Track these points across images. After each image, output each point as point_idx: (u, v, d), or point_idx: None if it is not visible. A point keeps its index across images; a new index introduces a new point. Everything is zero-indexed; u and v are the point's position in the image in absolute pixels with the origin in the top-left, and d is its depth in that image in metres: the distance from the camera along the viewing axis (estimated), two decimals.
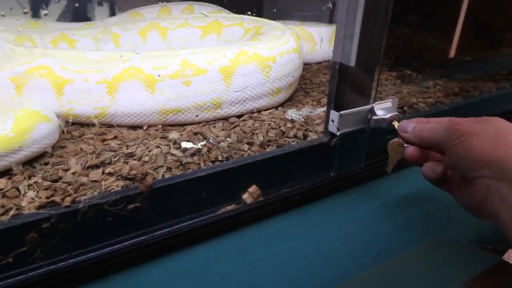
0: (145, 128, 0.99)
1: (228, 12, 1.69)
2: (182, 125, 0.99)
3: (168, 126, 1.00)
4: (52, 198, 0.62)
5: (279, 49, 1.04)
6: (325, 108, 1.15)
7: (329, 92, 0.80)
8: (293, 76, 1.12)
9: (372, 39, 0.73)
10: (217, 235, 0.74)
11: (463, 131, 0.59)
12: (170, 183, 0.69)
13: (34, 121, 0.78)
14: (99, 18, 1.64)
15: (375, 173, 0.90)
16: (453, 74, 1.45)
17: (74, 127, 0.99)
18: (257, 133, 0.96)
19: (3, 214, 0.59)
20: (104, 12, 1.72)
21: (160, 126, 1.00)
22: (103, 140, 0.91)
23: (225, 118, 1.04)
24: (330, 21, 2.20)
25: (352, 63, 0.75)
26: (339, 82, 0.77)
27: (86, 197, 0.63)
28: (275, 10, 2.16)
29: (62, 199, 0.61)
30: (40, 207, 0.60)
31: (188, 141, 0.93)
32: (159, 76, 0.92)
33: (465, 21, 1.47)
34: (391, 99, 0.84)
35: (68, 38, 1.36)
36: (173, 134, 0.96)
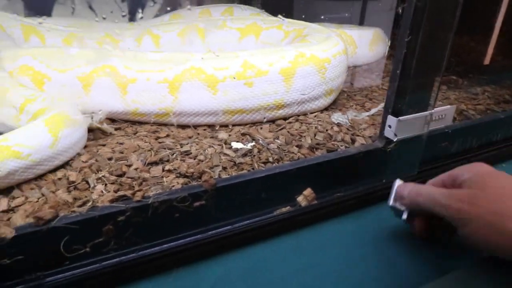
0: (194, 127, 1.04)
1: (268, 14, 1.73)
2: (244, 125, 1.04)
3: (227, 126, 1.05)
4: (123, 192, 0.67)
5: (332, 51, 1.08)
6: (370, 113, 1.18)
7: (387, 97, 0.83)
8: (343, 78, 1.16)
9: (436, 44, 0.76)
10: (274, 236, 0.77)
11: (462, 213, 0.59)
12: (232, 183, 0.72)
13: (67, 125, 0.80)
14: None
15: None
16: (501, 81, 1.45)
17: (126, 124, 1.05)
18: (304, 136, 1.00)
19: (81, 205, 0.64)
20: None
21: (208, 126, 1.05)
22: (157, 138, 0.96)
23: (286, 119, 1.08)
24: (361, 23, 2.23)
25: (413, 68, 0.77)
26: (399, 88, 0.80)
27: (154, 192, 0.67)
28: (304, 16, 2.20)
29: (133, 194, 0.66)
30: (113, 200, 0.65)
31: (237, 141, 0.98)
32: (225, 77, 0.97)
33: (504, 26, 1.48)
34: (448, 106, 0.86)
35: (113, 38, 1.43)
36: (222, 134, 1.00)
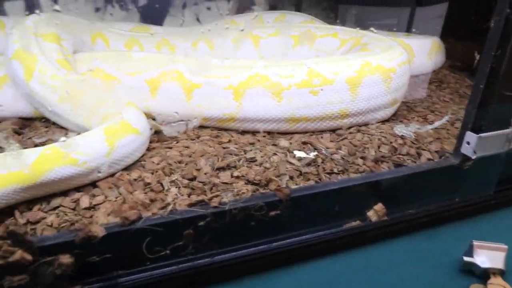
0: (253, 133, 1.05)
1: (321, 22, 1.73)
2: (304, 133, 1.04)
3: (286, 133, 1.05)
4: (200, 197, 0.68)
5: (398, 60, 1.07)
6: (434, 126, 1.14)
7: (466, 113, 0.80)
8: (406, 88, 1.14)
9: None
10: (343, 250, 0.77)
11: None
12: (305, 193, 0.73)
13: (127, 133, 0.81)
14: None
15: (506, 202, 0.88)
16: None
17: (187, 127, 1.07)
18: (368, 148, 0.98)
19: (161, 208, 0.66)
20: None
21: (267, 133, 1.06)
22: (220, 143, 0.98)
23: (349, 128, 1.07)
24: (408, 30, 2.18)
25: (498, 84, 0.75)
26: (481, 103, 0.77)
27: (229, 199, 0.69)
28: (348, 22, 2.19)
29: (209, 199, 0.67)
30: (191, 205, 0.66)
31: (299, 150, 0.98)
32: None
33: None
34: None
35: (168, 43, 1.48)
36: (283, 142, 1.01)
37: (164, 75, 1.04)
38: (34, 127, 1.04)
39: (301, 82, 0.99)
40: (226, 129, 1.06)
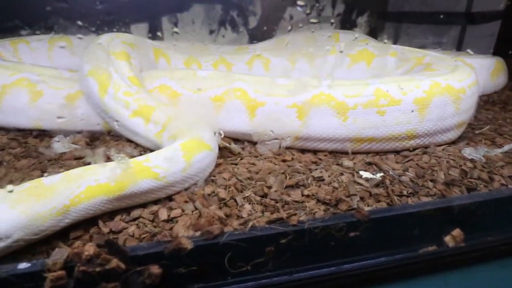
0: (314, 152, 1.06)
1: (375, 40, 1.74)
2: (367, 153, 1.04)
3: (348, 153, 1.05)
4: (279, 215, 0.70)
5: (468, 81, 1.05)
6: (503, 149, 1.11)
7: None
8: (474, 109, 1.12)
9: None
10: (418, 276, 0.75)
11: None
12: (384, 216, 0.72)
13: (201, 149, 0.84)
14: None
15: None
16: None
17: (247, 144, 1.10)
18: (436, 170, 0.96)
19: (242, 224, 0.68)
20: None
21: (328, 152, 1.07)
22: (284, 161, 0.99)
23: (412, 150, 1.07)
24: (458, 49, 2.14)
25: None
26: None
27: (305, 217, 0.70)
28: (398, 40, 2.17)
29: (288, 217, 0.69)
30: (270, 222, 0.68)
31: (364, 170, 0.98)
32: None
33: None
34: None
35: (226, 62, 1.53)
36: (347, 162, 1.01)
37: (228, 92, 1.08)
38: (104, 140, 1.10)
39: (368, 102, 0.99)
40: (286, 147, 1.08)
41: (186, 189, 0.82)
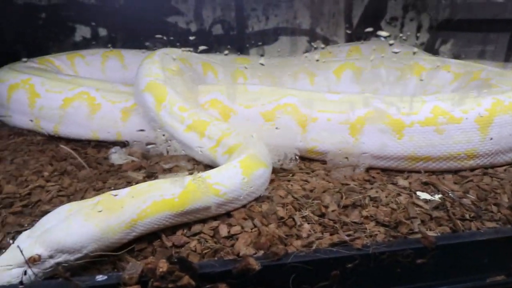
0: (366, 170, 1.05)
1: (425, 53, 1.70)
2: (423, 172, 1.02)
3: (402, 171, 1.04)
4: (341, 237, 0.70)
5: None
6: None
7: None
8: None
9: None
10: None
11: None
12: (450, 242, 0.70)
13: (259, 166, 0.85)
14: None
15: None
16: None
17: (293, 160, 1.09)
18: (499, 193, 0.93)
19: (305, 245, 0.68)
20: None
21: (381, 170, 1.05)
22: (336, 178, 0.99)
23: (471, 170, 1.03)
24: (506, 59, 2.04)
25: None
26: None
27: (370, 241, 0.69)
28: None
29: (352, 241, 0.68)
30: (333, 244, 0.68)
31: (421, 191, 0.95)
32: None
33: None
34: None
35: (272, 75, 1.55)
36: (402, 181, 0.99)
37: (279, 108, 1.09)
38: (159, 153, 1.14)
39: (425, 119, 0.98)
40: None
41: (245, 206, 0.83)
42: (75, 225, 0.66)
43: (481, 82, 1.22)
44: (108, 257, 0.69)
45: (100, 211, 0.68)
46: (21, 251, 0.60)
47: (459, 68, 1.38)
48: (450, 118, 0.96)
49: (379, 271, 0.66)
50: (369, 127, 1.01)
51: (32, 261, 0.62)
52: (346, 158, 1.00)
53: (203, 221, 0.79)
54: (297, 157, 1.03)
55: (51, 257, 0.64)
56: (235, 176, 0.80)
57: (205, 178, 0.77)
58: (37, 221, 0.79)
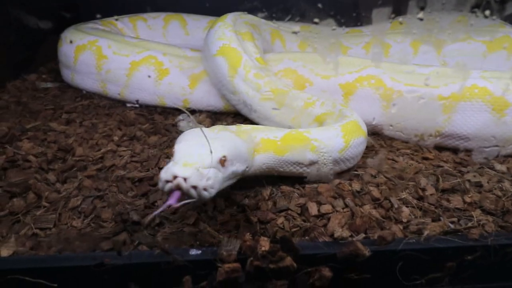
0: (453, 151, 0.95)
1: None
2: None
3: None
4: (454, 226, 0.62)
5: None
6: None
7: None
8: None
9: None
10: None
11: None
12: None
13: (359, 134, 0.81)
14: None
15: None
16: None
17: (372, 136, 1.00)
18: None
19: (415, 232, 0.61)
20: None
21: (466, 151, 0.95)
22: (425, 158, 0.90)
23: None
24: None
25: None
26: None
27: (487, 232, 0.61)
28: None
29: (466, 229, 0.60)
30: (446, 233, 0.60)
31: None
32: None
33: None
34: None
35: (341, 45, 1.44)
36: (498, 166, 0.88)
37: (361, 80, 1.00)
38: (226, 121, 1.08)
39: None
40: (418, 144, 0.97)
41: (332, 184, 0.76)
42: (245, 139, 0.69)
43: None
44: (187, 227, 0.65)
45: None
46: (211, 152, 0.57)
47: None
48: None
49: (498, 265, 0.58)
50: (465, 104, 0.90)
51: (222, 162, 0.59)
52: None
53: (289, 197, 0.73)
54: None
55: (231, 162, 0.62)
56: (335, 138, 0.76)
57: (304, 132, 0.75)
58: (114, 186, 0.77)
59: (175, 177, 0.52)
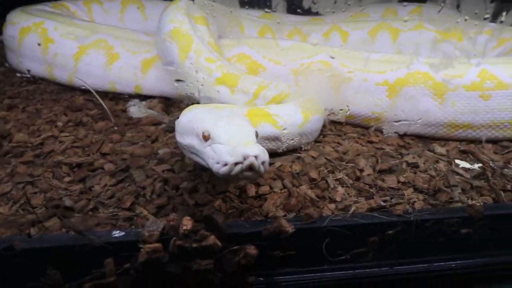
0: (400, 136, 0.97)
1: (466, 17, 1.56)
2: (461, 141, 0.94)
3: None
4: (376, 202, 0.63)
5: None
6: None
7: None
8: None
9: None
10: None
11: None
12: (497, 213, 0.64)
13: (317, 111, 0.84)
14: None
15: None
16: None
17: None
18: None
19: (341, 209, 0.62)
20: None
21: (416, 137, 0.97)
22: (370, 142, 0.91)
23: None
24: None
25: None
26: None
27: (410, 208, 0.62)
28: None
29: (392, 206, 0.62)
30: (372, 209, 0.61)
31: (460, 159, 0.88)
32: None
33: None
34: None
35: (301, 32, 1.44)
36: (439, 148, 0.91)
37: (312, 65, 1.00)
38: (179, 107, 1.07)
39: (471, 84, 0.88)
40: (367, 128, 0.99)
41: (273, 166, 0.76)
42: None
43: None
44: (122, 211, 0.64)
45: None
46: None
47: (503, 33, 1.26)
48: (499, 83, 0.87)
49: (420, 239, 0.60)
50: (409, 89, 0.91)
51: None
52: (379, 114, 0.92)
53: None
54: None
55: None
56: (294, 114, 0.78)
57: (264, 108, 0.77)
58: (49, 172, 0.74)
59: (245, 157, 0.51)
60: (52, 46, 1.10)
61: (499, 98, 0.88)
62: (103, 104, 0.95)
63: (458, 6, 1.42)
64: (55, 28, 1.10)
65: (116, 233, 0.53)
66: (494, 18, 1.12)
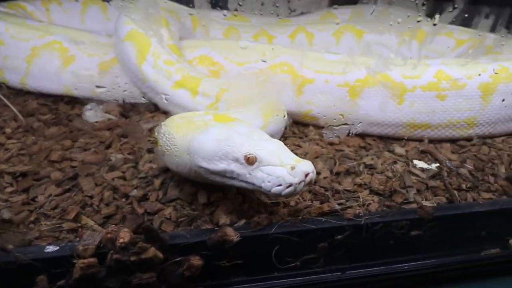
0: (361, 137, 0.96)
1: (428, 19, 1.58)
2: (420, 141, 0.94)
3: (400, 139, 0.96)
4: (331, 206, 0.61)
5: None
6: None
7: None
8: None
9: None
10: (478, 279, 0.67)
11: None
12: (448, 214, 0.63)
13: (277, 113, 0.83)
14: None
15: None
16: None
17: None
18: (497, 164, 0.86)
19: (292, 214, 0.60)
20: None
21: (378, 137, 0.97)
22: (330, 144, 0.90)
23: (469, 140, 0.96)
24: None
25: None
26: None
27: (363, 211, 0.61)
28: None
29: (343, 210, 0.60)
30: (322, 214, 0.59)
31: (418, 159, 0.88)
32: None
33: None
34: None
35: (267, 33, 1.42)
36: (398, 149, 0.91)
37: (274, 67, 0.98)
38: (138, 111, 1.03)
39: (428, 84, 0.89)
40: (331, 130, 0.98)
41: None
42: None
43: (484, 49, 1.13)
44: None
45: None
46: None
47: (462, 35, 1.29)
48: (454, 84, 0.88)
49: (371, 242, 0.59)
50: (369, 90, 0.91)
51: None
52: (341, 115, 0.91)
53: (182, 186, 0.70)
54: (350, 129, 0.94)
55: None
56: (254, 117, 0.76)
57: (225, 113, 0.76)
58: None
59: (306, 175, 0.53)
60: (2, 47, 1.04)
61: (455, 98, 0.89)
62: (11, 106, 0.89)
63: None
64: (6, 29, 1.04)
65: (50, 248, 0.49)
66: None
